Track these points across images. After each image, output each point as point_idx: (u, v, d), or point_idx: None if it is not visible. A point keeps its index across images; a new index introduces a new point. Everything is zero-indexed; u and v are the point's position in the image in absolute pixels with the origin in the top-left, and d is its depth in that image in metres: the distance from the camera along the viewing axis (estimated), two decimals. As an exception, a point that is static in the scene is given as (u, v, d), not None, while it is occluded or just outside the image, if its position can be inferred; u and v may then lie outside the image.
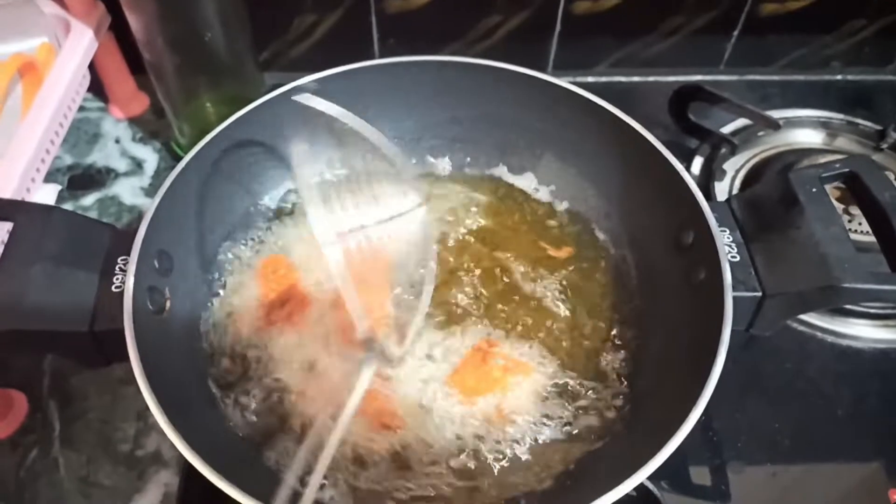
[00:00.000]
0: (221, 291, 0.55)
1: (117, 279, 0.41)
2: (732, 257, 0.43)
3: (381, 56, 0.72)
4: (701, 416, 0.36)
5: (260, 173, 0.61)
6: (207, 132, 0.73)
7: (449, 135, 0.62)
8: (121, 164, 0.77)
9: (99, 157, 0.78)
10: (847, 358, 0.56)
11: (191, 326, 0.49)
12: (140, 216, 0.65)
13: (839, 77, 0.81)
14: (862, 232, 0.57)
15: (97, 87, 0.78)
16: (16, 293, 0.38)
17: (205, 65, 0.67)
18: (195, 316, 0.50)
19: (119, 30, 0.75)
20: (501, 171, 0.62)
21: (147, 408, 0.36)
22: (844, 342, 0.57)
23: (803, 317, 0.57)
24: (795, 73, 0.80)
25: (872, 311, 0.57)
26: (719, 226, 0.43)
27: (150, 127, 0.80)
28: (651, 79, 0.80)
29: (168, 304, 0.43)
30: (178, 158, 0.75)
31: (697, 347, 0.39)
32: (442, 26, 0.76)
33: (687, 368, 0.39)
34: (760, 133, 0.68)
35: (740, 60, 0.80)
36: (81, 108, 0.79)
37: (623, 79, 0.81)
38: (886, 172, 0.45)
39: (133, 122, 0.80)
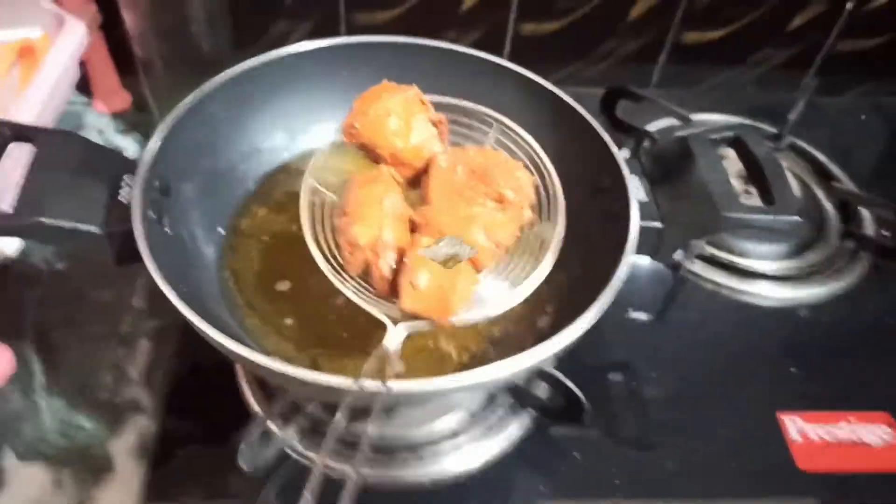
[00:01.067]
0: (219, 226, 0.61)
1: (123, 192, 0.48)
2: (640, 198, 0.52)
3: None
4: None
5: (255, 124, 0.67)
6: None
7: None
8: (102, 152, 0.83)
9: (82, 145, 0.84)
10: (747, 310, 0.66)
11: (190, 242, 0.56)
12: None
13: (752, 97, 0.92)
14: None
15: (82, 85, 0.84)
16: (42, 193, 0.45)
17: (190, 56, 0.74)
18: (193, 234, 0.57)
19: (109, 31, 0.83)
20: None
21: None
22: (745, 298, 0.67)
23: (712, 276, 0.67)
24: (715, 94, 0.91)
25: (769, 273, 0.68)
26: (630, 172, 0.53)
27: (131, 120, 0.86)
28: (588, 96, 0.90)
29: (166, 218, 0.50)
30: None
31: (610, 264, 0.47)
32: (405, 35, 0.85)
33: (601, 282, 0.47)
34: (678, 131, 0.78)
35: (667, 82, 0.91)
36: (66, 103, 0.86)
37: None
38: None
39: (116, 116, 0.87)
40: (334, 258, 0.47)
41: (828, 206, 0.75)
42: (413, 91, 0.51)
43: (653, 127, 0.78)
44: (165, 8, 0.69)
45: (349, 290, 0.46)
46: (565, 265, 0.47)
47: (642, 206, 0.51)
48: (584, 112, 0.57)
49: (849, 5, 0.84)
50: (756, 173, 0.51)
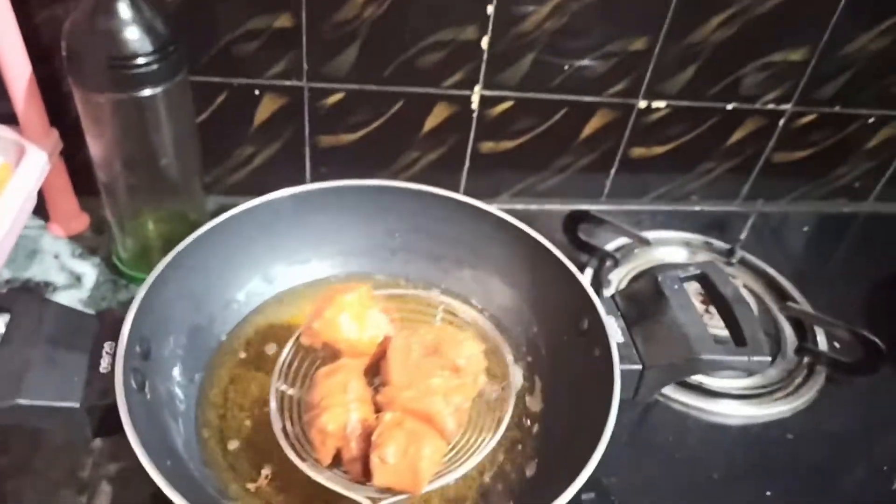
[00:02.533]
0: (197, 376, 0.61)
1: (103, 361, 0.47)
2: (618, 340, 0.54)
3: (313, 181, 0.82)
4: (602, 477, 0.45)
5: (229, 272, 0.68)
6: (148, 247, 0.80)
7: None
8: (59, 278, 0.81)
9: (37, 271, 0.81)
10: (717, 430, 0.68)
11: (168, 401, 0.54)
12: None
13: (697, 208, 0.97)
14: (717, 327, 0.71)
15: (38, 207, 0.83)
16: (18, 372, 0.43)
17: (157, 187, 0.74)
18: (171, 392, 0.56)
19: (68, 154, 0.82)
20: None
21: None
22: (713, 418, 0.69)
23: (681, 397, 0.69)
24: (662, 204, 0.96)
25: (734, 392, 0.70)
26: (607, 313, 0.55)
27: (89, 243, 0.85)
28: (546, 207, 0.94)
29: (147, 383, 0.49)
30: (119, 272, 0.81)
31: (595, 410, 0.49)
32: (368, 158, 0.87)
33: (588, 428, 0.48)
34: (636, 250, 0.82)
35: (618, 193, 0.95)
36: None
37: (522, 206, 0.94)
38: (733, 279, 0.59)
39: (72, 239, 0.85)
40: (306, 452, 0.50)
41: (783, 322, 0.79)
42: (363, 289, 0.56)
43: (612, 245, 0.82)
44: (133, 139, 0.69)
45: (325, 479, 0.49)
46: (552, 408, 0.48)
47: (621, 347, 0.53)
48: (559, 254, 0.60)
49: (781, 122, 0.91)
50: (723, 309, 0.54)
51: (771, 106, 0.89)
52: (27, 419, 0.44)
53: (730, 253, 0.83)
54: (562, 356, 0.52)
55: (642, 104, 0.87)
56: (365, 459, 0.48)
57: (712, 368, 0.51)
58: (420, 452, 0.46)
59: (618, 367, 0.51)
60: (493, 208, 0.66)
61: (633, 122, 0.88)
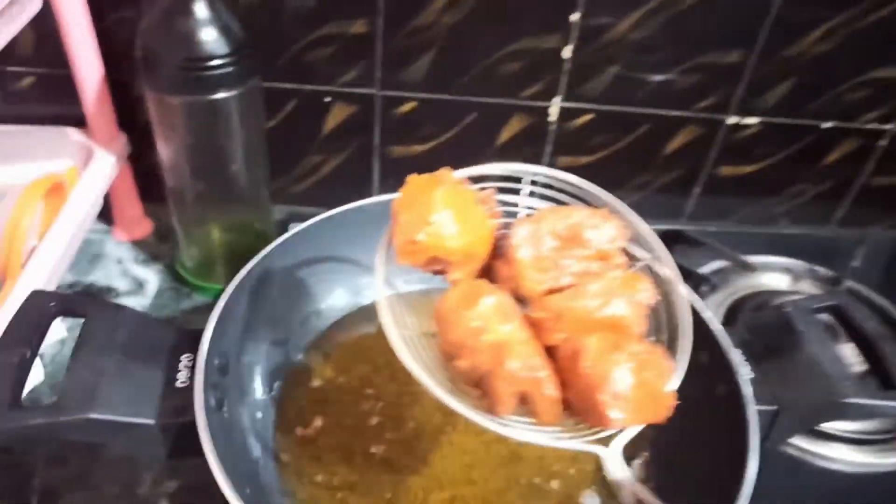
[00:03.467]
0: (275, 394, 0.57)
1: (180, 375, 0.44)
2: (748, 376, 0.48)
3: (381, 193, 0.79)
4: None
5: (313, 285, 0.64)
6: (213, 257, 0.78)
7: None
8: (122, 284, 0.79)
9: (100, 276, 0.80)
10: (826, 477, 0.61)
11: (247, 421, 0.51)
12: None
13: (786, 231, 0.91)
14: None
15: (102, 211, 0.81)
16: (90, 383, 0.40)
17: (224, 194, 0.72)
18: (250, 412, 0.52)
19: (135, 160, 0.81)
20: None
21: None
22: (826, 464, 0.62)
23: (794, 441, 0.62)
24: (748, 227, 0.90)
25: (846, 435, 0.63)
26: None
27: (152, 250, 0.83)
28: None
29: (225, 401, 0.46)
30: (182, 281, 0.79)
31: (719, 457, 0.43)
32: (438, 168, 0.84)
33: (714, 481, 0.42)
34: (733, 275, 0.76)
35: (700, 214, 0.90)
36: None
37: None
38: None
39: (135, 244, 0.84)
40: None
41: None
42: (449, 175, 0.45)
43: (706, 269, 0.76)
44: (204, 144, 0.67)
45: (534, 433, 0.40)
46: (661, 461, 0.43)
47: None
48: (670, 274, 0.54)
49: (882, 142, 0.84)
50: (866, 347, 0.48)
51: (872, 126, 0.83)
52: (97, 435, 0.41)
53: (835, 282, 0.77)
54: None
55: (731, 120, 0.81)
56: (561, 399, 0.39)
57: (859, 415, 0.46)
58: (659, 373, 0.38)
59: (753, 408, 0.45)
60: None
61: (721, 139, 0.83)
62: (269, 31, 0.73)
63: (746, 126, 0.82)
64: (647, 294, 0.42)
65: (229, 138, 0.67)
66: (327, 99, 0.79)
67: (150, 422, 0.41)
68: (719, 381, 0.48)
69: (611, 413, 0.37)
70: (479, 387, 0.40)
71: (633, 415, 0.37)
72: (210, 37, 0.61)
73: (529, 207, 0.48)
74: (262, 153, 0.72)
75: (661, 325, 0.44)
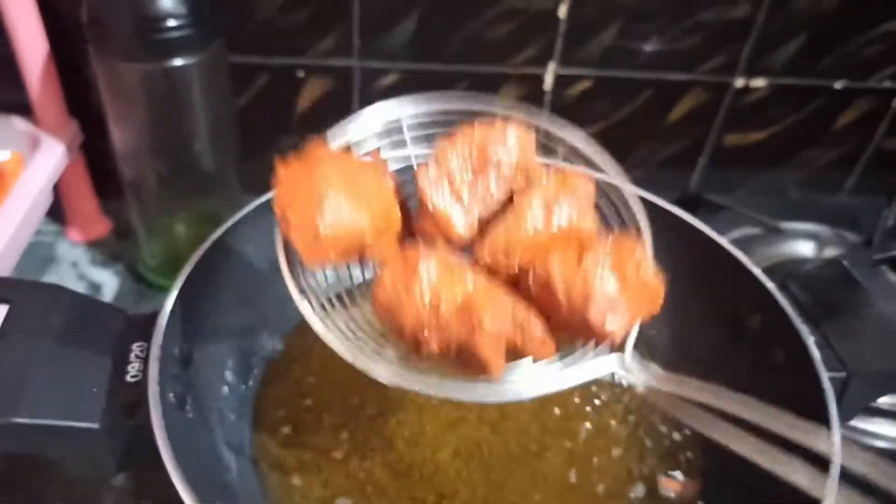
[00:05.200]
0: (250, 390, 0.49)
1: (131, 368, 0.35)
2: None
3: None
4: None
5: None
6: (179, 253, 0.69)
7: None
8: (77, 288, 0.70)
9: (52, 280, 0.71)
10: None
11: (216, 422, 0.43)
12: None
13: (799, 199, 0.85)
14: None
15: (53, 210, 0.73)
16: (15, 380, 0.32)
17: (189, 180, 0.64)
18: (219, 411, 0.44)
19: (90, 149, 0.72)
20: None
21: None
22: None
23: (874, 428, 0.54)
24: (759, 197, 0.84)
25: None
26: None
27: (111, 250, 0.75)
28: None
29: (188, 398, 0.38)
30: (145, 282, 0.70)
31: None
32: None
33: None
34: (755, 243, 0.70)
35: (707, 184, 0.84)
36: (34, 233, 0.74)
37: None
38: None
39: (92, 245, 0.75)
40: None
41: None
42: (323, 150, 0.38)
43: (729, 237, 0.70)
44: (163, 120, 0.59)
45: (539, 382, 0.35)
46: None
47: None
48: (710, 232, 0.47)
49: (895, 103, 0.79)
50: None
51: (886, 84, 0.78)
52: (27, 444, 0.33)
53: (867, 245, 0.71)
54: (718, 364, 0.39)
55: (739, 83, 0.76)
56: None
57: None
58: (635, 262, 0.34)
59: (825, 375, 0.38)
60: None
61: (728, 105, 0.77)
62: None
63: (755, 89, 0.77)
64: (586, 187, 0.38)
65: (191, 113, 0.60)
66: (300, 73, 0.71)
67: (94, 425, 0.33)
68: (775, 346, 0.41)
69: (608, 325, 0.34)
70: (459, 360, 0.35)
71: (631, 314, 0.34)
72: (165, -7, 0.54)
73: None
74: (230, 132, 0.65)
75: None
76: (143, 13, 0.53)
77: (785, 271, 0.65)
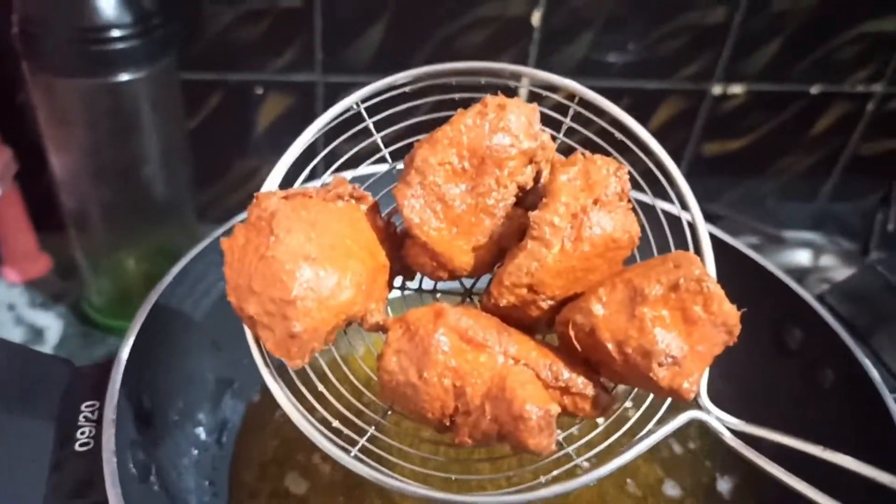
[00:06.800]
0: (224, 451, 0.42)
1: (81, 434, 0.29)
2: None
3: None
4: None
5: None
6: (130, 291, 0.63)
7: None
8: (15, 334, 0.64)
9: (-14, 327, 0.64)
10: None
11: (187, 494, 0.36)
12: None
13: (776, 206, 0.83)
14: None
15: (-13, 247, 0.66)
16: None
17: (138, 207, 0.58)
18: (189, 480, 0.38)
19: (25, 181, 0.66)
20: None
21: None
22: None
23: None
24: (739, 205, 0.82)
25: None
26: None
27: (52, 290, 0.68)
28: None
29: (153, 466, 0.31)
30: (92, 323, 0.64)
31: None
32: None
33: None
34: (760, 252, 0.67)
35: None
36: (-34, 272, 0.67)
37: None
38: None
39: (31, 285, 0.68)
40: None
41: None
42: (275, 202, 0.31)
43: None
44: (107, 142, 0.53)
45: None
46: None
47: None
48: (743, 248, 0.43)
49: (870, 106, 0.78)
50: None
51: (860, 88, 0.76)
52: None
53: (863, 252, 0.68)
54: (761, 385, 0.35)
55: (716, 90, 0.73)
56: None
57: None
58: (702, 296, 0.28)
59: (891, 399, 0.34)
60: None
61: (705, 112, 0.75)
62: (184, 5, 0.60)
63: (732, 96, 0.74)
64: (620, 178, 0.32)
65: (139, 134, 0.54)
66: (259, 90, 0.66)
67: (37, 505, 0.27)
68: (823, 366, 0.37)
69: (679, 385, 0.27)
70: (500, 439, 0.29)
71: (703, 362, 0.28)
72: (109, 1, 0.48)
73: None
74: (183, 155, 0.59)
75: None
76: (83, 22, 0.48)
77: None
